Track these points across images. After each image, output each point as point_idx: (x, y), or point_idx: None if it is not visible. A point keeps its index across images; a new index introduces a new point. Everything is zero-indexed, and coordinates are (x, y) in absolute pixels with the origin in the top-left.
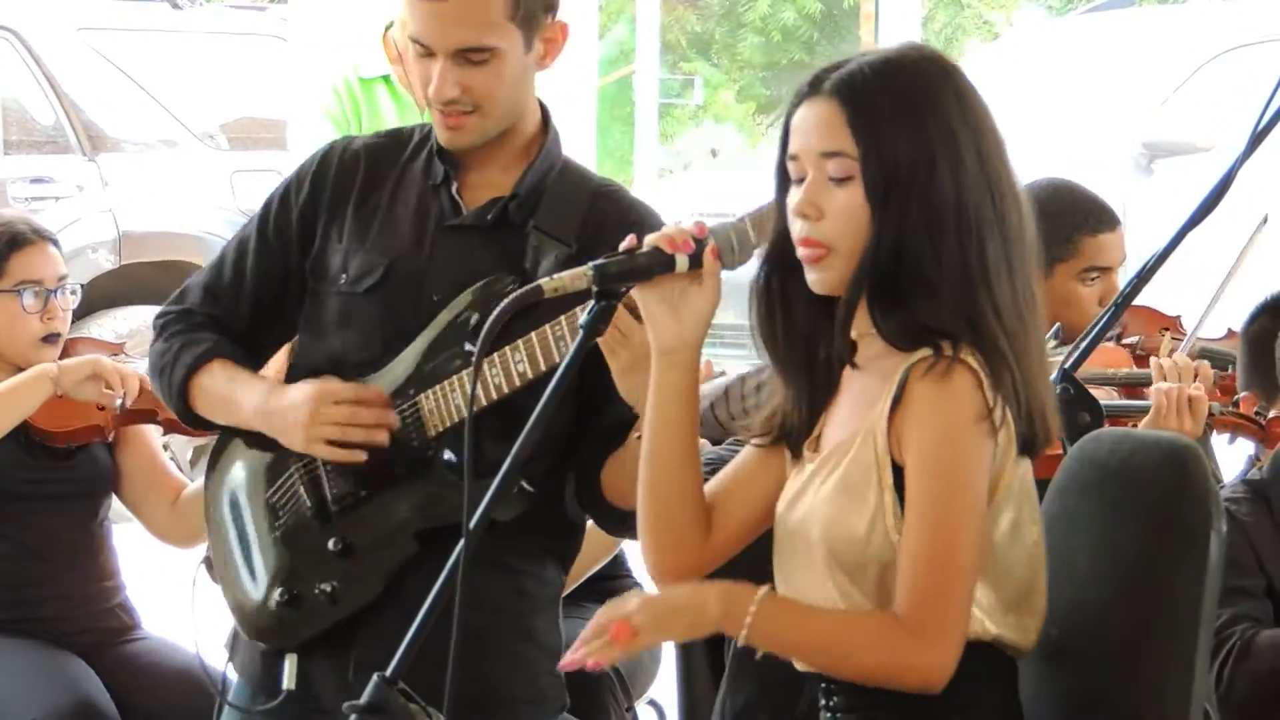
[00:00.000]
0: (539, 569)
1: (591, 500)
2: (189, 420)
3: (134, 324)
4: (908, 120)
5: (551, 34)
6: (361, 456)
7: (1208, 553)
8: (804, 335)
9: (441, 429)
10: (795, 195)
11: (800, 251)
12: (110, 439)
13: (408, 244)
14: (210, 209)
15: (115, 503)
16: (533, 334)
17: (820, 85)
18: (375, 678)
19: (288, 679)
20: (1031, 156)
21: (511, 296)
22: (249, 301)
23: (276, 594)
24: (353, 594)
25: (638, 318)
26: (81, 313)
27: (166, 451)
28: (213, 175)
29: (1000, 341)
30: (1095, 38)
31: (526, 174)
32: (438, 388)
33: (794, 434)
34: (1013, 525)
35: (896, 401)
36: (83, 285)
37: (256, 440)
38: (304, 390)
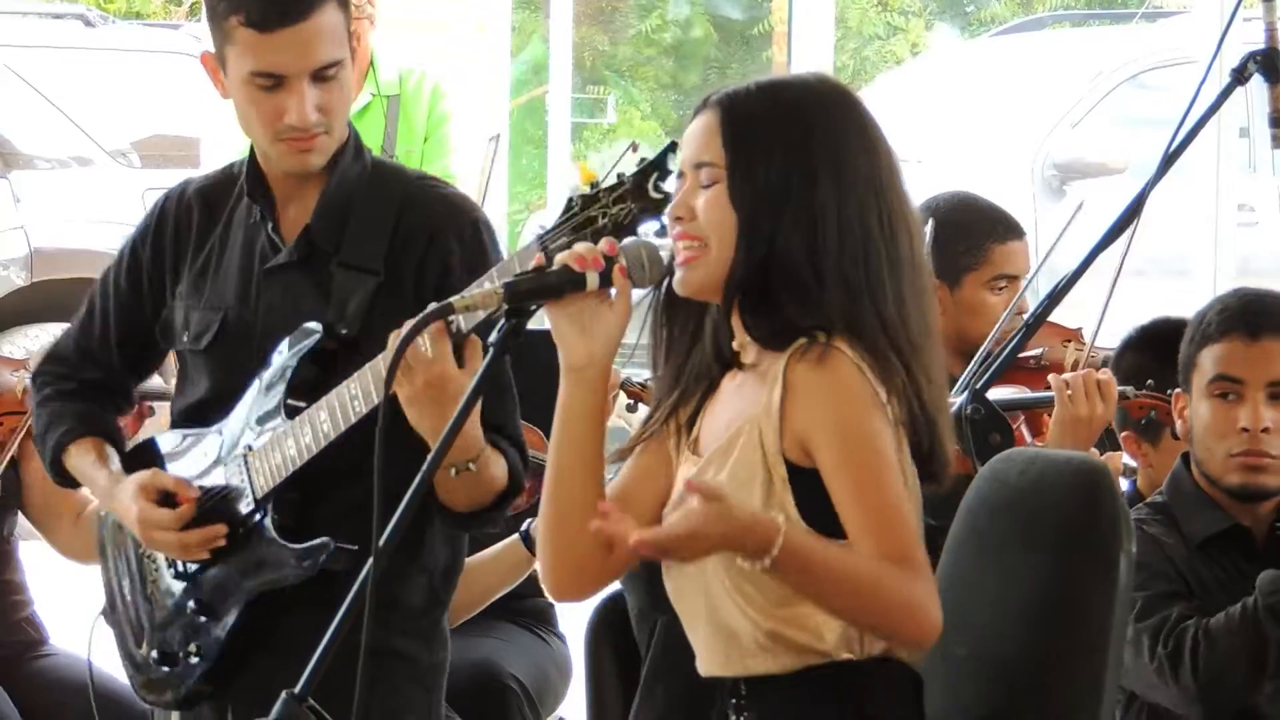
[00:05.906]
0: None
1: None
2: (64, 484)
3: (45, 341)
4: (786, 130)
5: (357, 31)
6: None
7: (1118, 574)
8: (688, 337)
9: (267, 489)
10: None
11: (676, 248)
12: (14, 453)
13: (237, 294)
14: (122, 226)
15: (21, 520)
16: (332, 392)
17: (708, 101)
18: (284, 695)
19: None
20: (943, 177)
21: (421, 315)
22: (119, 354)
23: (153, 654)
24: (215, 653)
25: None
26: None
27: None
28: (125, 192)
29: (888, 352)
30: (1007, 60)
31: (322, 196)
32: (264, 447)
33: (678, 434)
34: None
35: (784, 397)
36: None
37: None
38: (131, 507)
